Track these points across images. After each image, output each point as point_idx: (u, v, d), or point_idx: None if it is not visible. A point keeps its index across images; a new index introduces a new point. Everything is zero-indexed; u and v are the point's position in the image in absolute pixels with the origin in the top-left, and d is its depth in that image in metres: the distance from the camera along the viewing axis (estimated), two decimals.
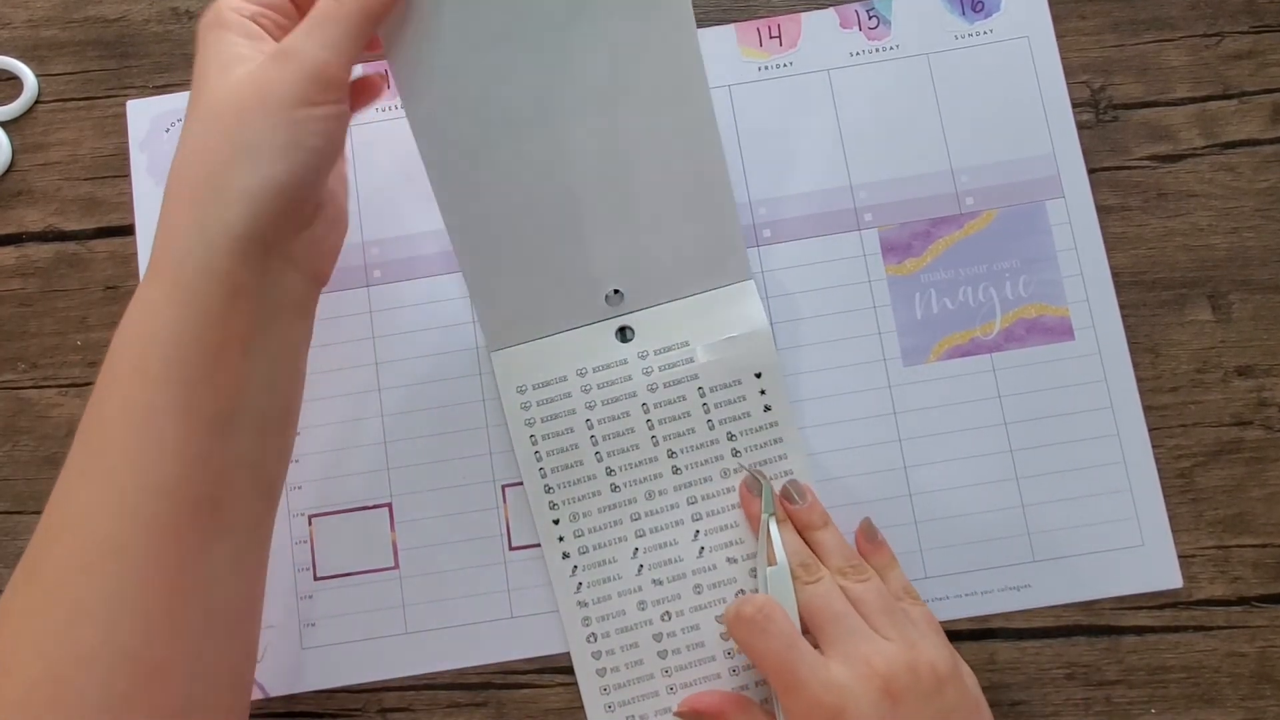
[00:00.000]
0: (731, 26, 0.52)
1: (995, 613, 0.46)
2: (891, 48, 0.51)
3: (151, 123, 0.52)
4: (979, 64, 0.51)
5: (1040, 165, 0.50)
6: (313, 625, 0.47)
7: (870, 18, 0.52)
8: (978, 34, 0.51)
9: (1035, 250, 0.49)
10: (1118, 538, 0.47)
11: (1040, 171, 0.50)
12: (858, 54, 0.51)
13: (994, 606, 0.46)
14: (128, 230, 0.51)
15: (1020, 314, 0.49)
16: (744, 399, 0.47)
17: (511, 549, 0.47)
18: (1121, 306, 0.49)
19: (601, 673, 0.45)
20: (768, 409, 0.47)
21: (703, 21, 0.52)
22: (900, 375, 0.48)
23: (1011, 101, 0.50)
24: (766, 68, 0.51)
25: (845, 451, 0.48)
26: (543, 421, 0.47)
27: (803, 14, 0.52)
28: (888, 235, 0.50)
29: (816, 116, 0.51)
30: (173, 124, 0.51)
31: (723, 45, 0.51)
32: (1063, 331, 0.48)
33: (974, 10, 0.51)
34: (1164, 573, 0.46)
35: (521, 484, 0.47)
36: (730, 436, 0.47)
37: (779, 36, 0.52)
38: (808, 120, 0.51)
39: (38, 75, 0.52)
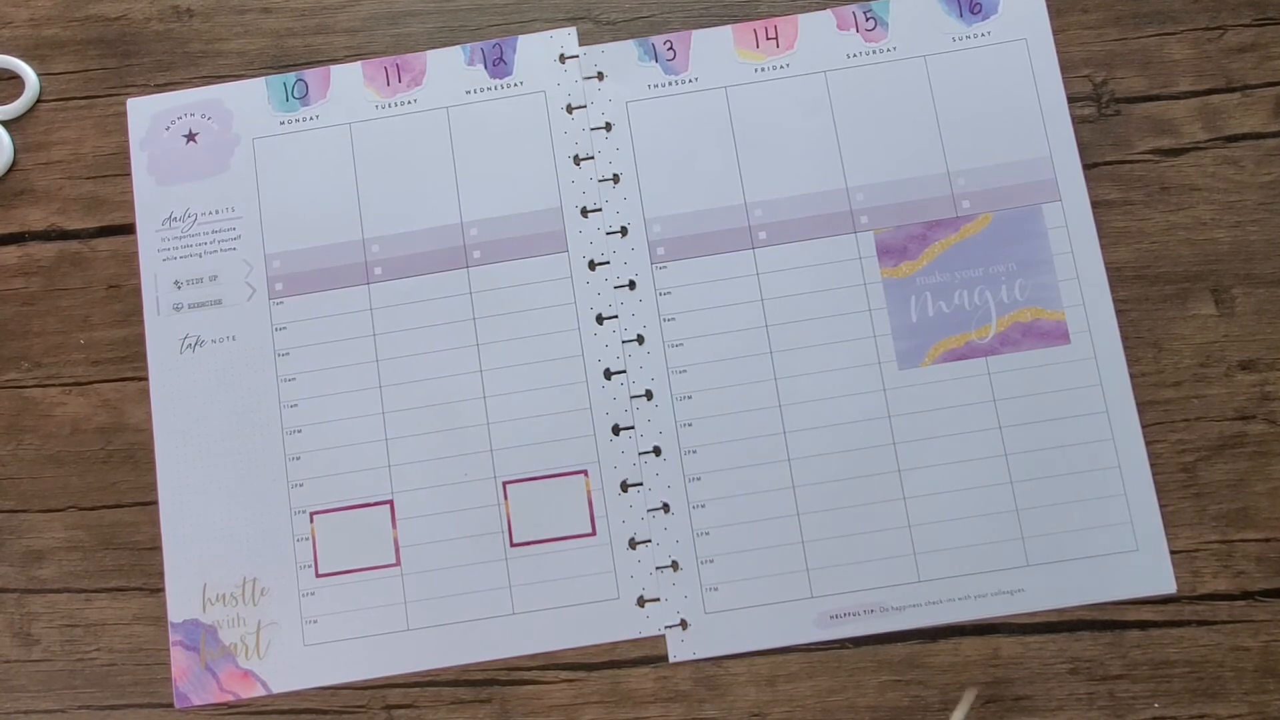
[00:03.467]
0: (729, 28, 0.52)
1: (989, 616, 0.46)
2: (889, 50, 0.51)
3: (152, 121, 0.52)
4: (976, 66, 0.51)
5: (1037, 168, 0.50)
6: (315, 622, 0.47)
7: (867, 19, 0.51)
8: (975, 36, 0.51)
9: (1031, 254, 0.49)
10: (1112, 542, 0.46)
11: (1037, 175, 0.50)
12: (855, 56, 0.51)
13: (987, 611, 0.46)
14: (129, 229, 0.51)
15: (1016, 318, 0.49)
16: None
17: (513, 545, 0.47)
18: (1124, 301, 0.48)
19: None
20: None
21: (699, 22, 0.52)
22: (895, 379, 0.48)
23: (1009, 104, 0.50)
24: (763, 69, 0.51)
25: (839, 455, 0.48)
26: None
27: (800, 15, 0.52)
28: (883, 238, 0.49)
29: (813, 118, 0.51)
30: (173, 122, 0.52)
31: (720, 46, 0.51)
32: (1058, 335, 0.48)
33: (971, 12, 0.51)
34: (1158, 578, 0.46)
35: (521, 480, 0.47)
36: None
37: (776, 38, 0.51)
38: (804, 122, 0.51)
39: (39, 74, 0.52)
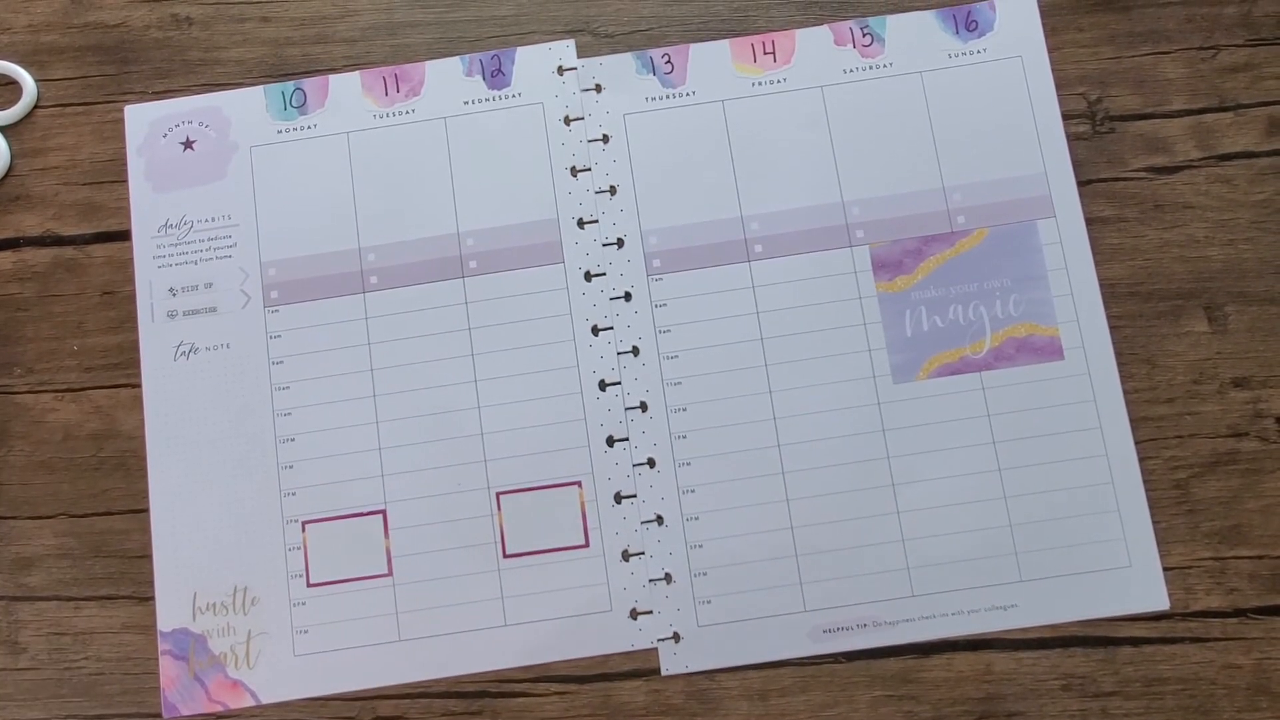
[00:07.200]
0: (726, 42, 0.52)
1: (982, 631, 0.46)
2: (885, 65, 0.51)
3: (150, 127, 0.52)
4: (972, 82, 0.51)
5: (1032, 184, 0.50)
6: (305, 632, 0.47)
7: (864, 35, 0.52)
8: (971, 53, 0.51)
9: (1026, 269, 0.49)
10: (1105, 558, 0.46)
11: (1032, 191, 0.50)
12: (851, 71, 0.51)
13: (980, 626, 0.46)
14: (125, 235, 0.51)
15: (1010, 333, 0.49)
16: None
17: (505, 556, 0.47)
18: (1117, 318, 0.49)
19: None
20: None
21: (697, 36, 0.52)
22: (889, 392, 0.48)
23: (1004, 120, 0.50)
24: (760, 83, 0.51)
25: (833, 468, 0.48)
26: None
27: (797, 30, 0.52)
28: (879, 252, 0.50)
29: (810, 132, 0.51)
30: (170, 129, 0.52)
31: (717, 60, 0.52)
32: (1052, 351, 0.48)
33: (967, 29, 0.52)
34: (1151, 594, 0.46)
35: (515, 491, 0.47)
36: None
37: (773, 52, 0.52)
38: (801, 136, 0.51)
39: (37, 80, 0.52)
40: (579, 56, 0.52)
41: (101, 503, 0.49)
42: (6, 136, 0.52)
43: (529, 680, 0.46)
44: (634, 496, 0.48)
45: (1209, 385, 0.48)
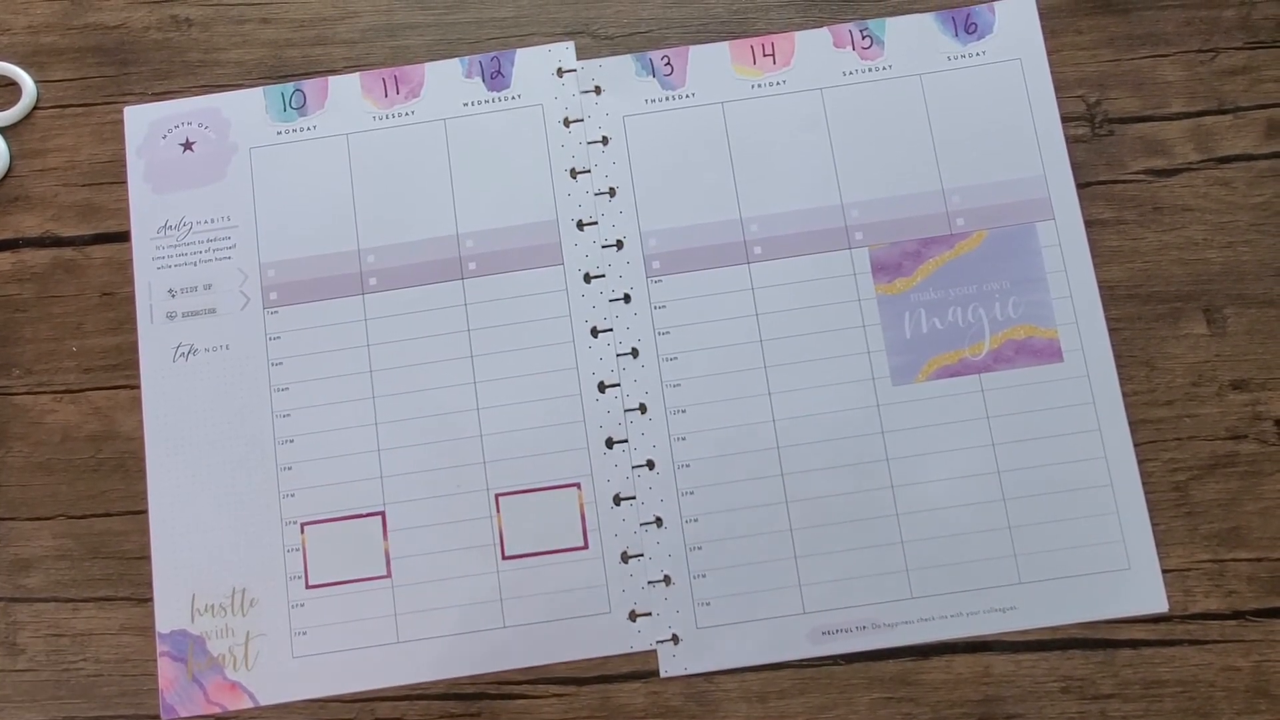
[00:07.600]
0: (725, 44, 0.52)
1: (981, 633, 0.46)
2: (884, 68, 0.51)
3: (149, 128, 0.52)
4: (971, 85, 0.51)
5: (1031, 187, 0.50)
6: (304, 634, 0.47)
7: (864, 37, 0.52)
8: (970, 55, 0.51)
9: (1025, 271, 0.49)
10: (1104, 561, 0.46)
11: (1031, 193, 0.50)
12: (851, 73, 0.51)
13: (980, 628, 0.46)
14: (124, 236, 0.51)
15: (1009, 335, 0.49)
16: None
17: (504, 558, 0.47)
18: (1116, 320, 0.49)
19: None
20: None
21: (697, 38, 0.52)
22: (889, 394, 0.48)
23: (1003, 123, 0.51)
24: (760, 85, 0.51)
25: (832, 470, 0.48)
26: None
27: (796, 33, 0.52)
28: (878, 254, 0.50)
29: (809, 135, 0.51)
30: (170, 130, 0.52)
31: (717, 62, 0.52)
32: (1051, 353, 0.48)
33: (966, 31, 0.52)
34: (1150, 596, 0.46)
35: (514, 493, 0.47)
36: None
37: (773, 54, 0.52)
38: (800, 138, 0.51)
39: (37, 81, 0.52)
40: (578, 58, 0.52)
41: (100, 504, 0.49)
42: (6, 137, 0.52)
43: (528, 682, 0.46)
44: (633, 498, 0.48)
45: (1208, 387, 0.48)
